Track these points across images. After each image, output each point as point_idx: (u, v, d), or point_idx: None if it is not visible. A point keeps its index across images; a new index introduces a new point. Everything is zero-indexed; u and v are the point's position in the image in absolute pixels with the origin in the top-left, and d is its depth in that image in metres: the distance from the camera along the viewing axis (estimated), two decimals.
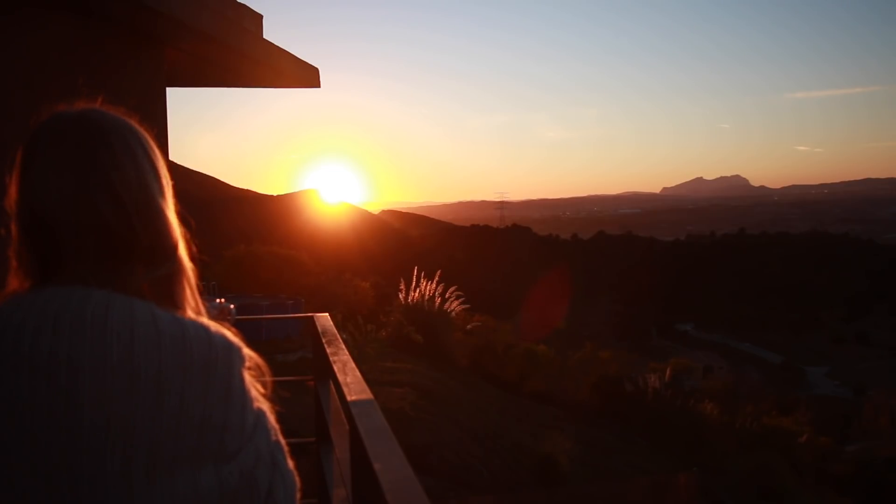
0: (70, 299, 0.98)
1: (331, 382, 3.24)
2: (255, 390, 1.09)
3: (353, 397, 1.91)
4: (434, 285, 16.48)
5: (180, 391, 0.97)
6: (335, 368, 2.44)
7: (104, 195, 1.02)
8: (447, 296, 16.61)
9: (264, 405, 1.10)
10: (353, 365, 2.47)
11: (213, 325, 1.06)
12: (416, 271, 16.61)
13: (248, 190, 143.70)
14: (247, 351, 1.08)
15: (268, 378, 1.13)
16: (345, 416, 2.25)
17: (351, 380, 2.16)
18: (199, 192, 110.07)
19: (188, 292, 1.11)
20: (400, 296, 16.87)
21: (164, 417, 0.95)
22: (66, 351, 0.94)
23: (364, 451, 1.40)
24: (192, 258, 1.14)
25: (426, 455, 9.45)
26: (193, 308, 1.12)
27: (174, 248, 1.09)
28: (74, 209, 1.01)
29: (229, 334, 1.06)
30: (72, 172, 1.02)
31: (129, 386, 0.94)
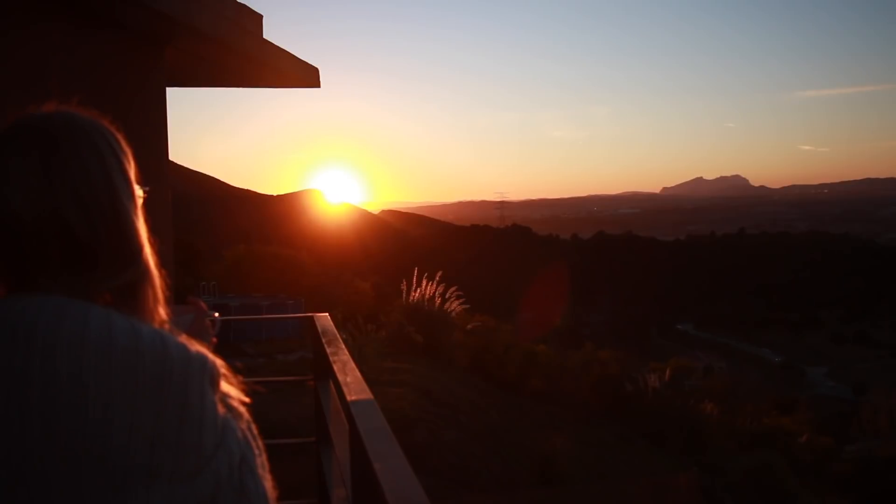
0: (27, 308, 0.96)
1: (331, 382, 3.24)
2: (232, 402, 1.04)
3: (353, 397, 1.92)
4: (434, 285, 16.48)
5: (130, 406, 0.93)
6: (335, 368, 2.44)
7: (68, 198, 1.00)
8: (447, 296, 16.61)
9: (242, 420, 1.05)
10: (353, 365, 2.47)
11: (174, 337, 1.01)
12: (416, 272, 16.61)
13: (248, 190, 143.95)
14: (216, 363, 1.02)
15: (241, 383, 1.08)
16: (345, 416, 2.25)
17: (351, 380, 2.16)
18: (199, 192, 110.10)
19: (152, 300, 1.08)
20: (402, 296, 16.88)
21: (113, 433, 0.92)
22: (20, 362, 0.92)
23: (364, 451, 1.40)
24: (158, 265, 1.11)
25: (426, 455, 9.44)
26: (158, 317, 1.08)
27: (139, 252, 1.06)
28: (38, 213, 0.99)
29: (192, 347, 1.01)
30: (35, 176, 1.00)
31: (78, 400, 0.92)
